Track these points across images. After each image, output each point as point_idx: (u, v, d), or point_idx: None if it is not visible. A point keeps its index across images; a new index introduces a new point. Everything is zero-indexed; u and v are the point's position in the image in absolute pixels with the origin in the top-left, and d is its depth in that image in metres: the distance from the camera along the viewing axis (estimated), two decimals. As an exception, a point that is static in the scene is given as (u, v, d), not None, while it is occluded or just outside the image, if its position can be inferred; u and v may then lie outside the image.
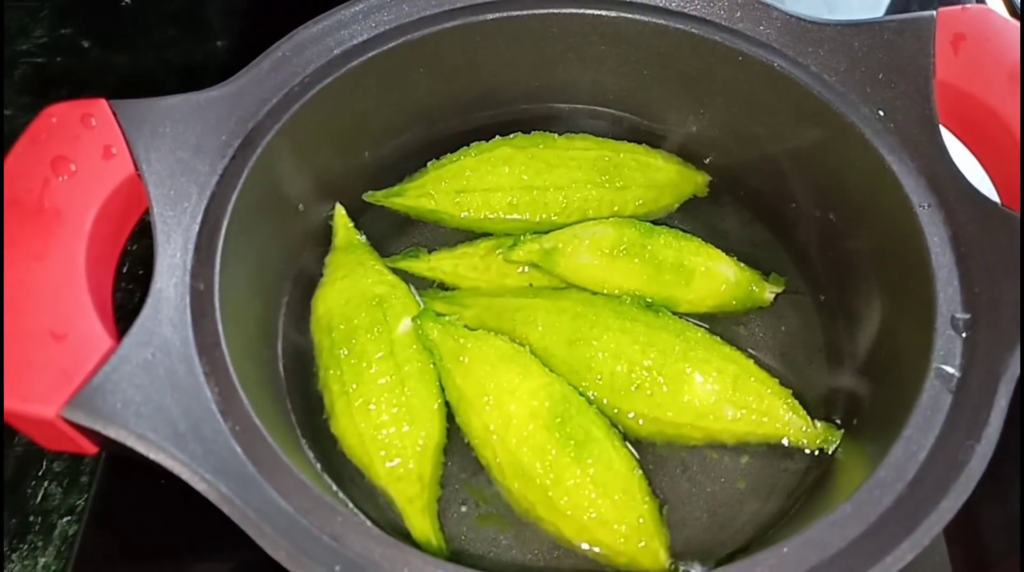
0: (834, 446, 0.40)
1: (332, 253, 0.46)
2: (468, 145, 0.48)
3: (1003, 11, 0.63)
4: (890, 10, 0.67)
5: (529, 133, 0.49)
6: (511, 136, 0.48)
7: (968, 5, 0.41)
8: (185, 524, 0.43)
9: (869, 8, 0.67)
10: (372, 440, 0.39)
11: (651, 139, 0.49)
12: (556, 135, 0.48)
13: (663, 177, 0.48)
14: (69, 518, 0.44)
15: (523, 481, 0.38)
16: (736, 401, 0.40)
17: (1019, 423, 0.42)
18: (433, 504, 0.39)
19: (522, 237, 0.45)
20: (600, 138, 0.49)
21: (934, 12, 0.41)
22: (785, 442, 0.40)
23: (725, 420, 0.40)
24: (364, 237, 0.47)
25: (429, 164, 0.48)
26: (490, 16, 0.45)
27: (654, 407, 0.40)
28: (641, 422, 0.40)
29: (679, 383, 0.40)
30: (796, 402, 0.41)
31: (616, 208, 0.47)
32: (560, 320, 0.42)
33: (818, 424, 0.40)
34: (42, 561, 0.43)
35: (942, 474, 0.31)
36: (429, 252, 0.47)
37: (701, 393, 0.40)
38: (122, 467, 0.45)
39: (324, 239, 0.47)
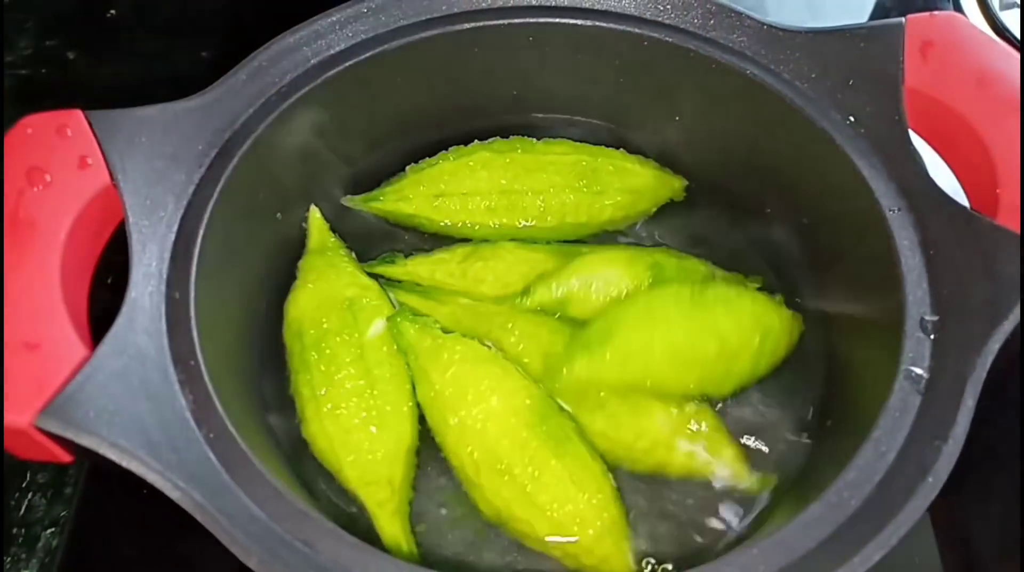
0: (767, 491, 0.40)
1: (306, 256, 0.46)
2: (447, 149, 0.49)
3: (981, 21, 0.63)
4: (872, 18, 0.67)
5: (508, 138, 0.49)
6: (489, 141, 0.49)
7: (936, 12, 0.42)
8: (168, 536, 0.42)
9: (852, 15, 0.67)
10: (342, 444, 0.39)
11: (628, 146, 0.50)
12: (535, 140, 0.49)
13: (640, 182, 0.48)
14: (53, 530, 0.44)
15: (500, 476, 0.38)
16: (691, 437, 0.40)
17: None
18: (404, 508, 0.39)
19: (532, 286, 0.44)
20: (578, 143, 0.49)
21: (903, 19, 0.42)
22: (719, 484, 0.41)
23: (677, 452, 0.40)
24: (339, 239, 0.47)
25: (408, 168, 0.49)
26: (467, 26, 0.45)
27: (615, 427, 0.40)
28: (596, 440, 0.41)
29: (644, 408, 0.40)
30: (742, 450, 0.41)
31: (595, 210, 0.47)
32: (539, 331, 0.43)
33: (755, 474, 0.41)
34: None
35: (910, 474, 0.31)
36: (406, 257, 0.47)
37: (660, 422, 0.40)
38: (106, 479, 0.45)
39: (302, 246, 0.47)
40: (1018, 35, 0.59)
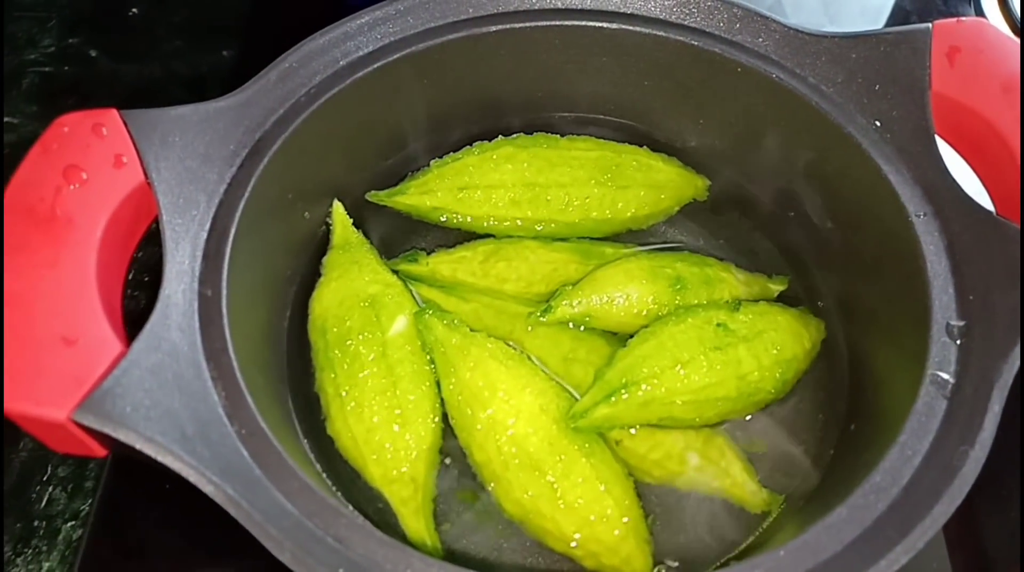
0: (775, 511, 0.40)
1: (330, 252, 0.46)
2: (471, 145, 0.49)
3: (1003, 25, 0.64)
4: (890, 22, 0.67)
5: (532, 134, 0.49)
6: (514, 136, 0.49)
7: (963, 18, 0.42)
8: (188, 530, 0.43)
9: (870, 20, 0.67)
10: (365, 442, 0.40)
11: (652, 145, 0.50)
12: (559, 136, 0.49)
13: (664, 178, 0.48)
14: (73, 523, 0.44)
15: (529, 472, 0.38)
16: (702, 452, 0.41)
17: (1019, 431, 0.43)
18: (428, 505, 0.40)
19: (552, 300, 0.44)
20: (602, 140, 0.49)
21: (930, 24, 0.42)
22: (727, 499, 0.41)
23: (688, 466, 0.40)
24: (363, 235, 0.47)
25: (432, 162, 0.49)
26: (493, 28, 0.45)
27: (629, 436, 0.41)
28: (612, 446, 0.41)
29: None
30: (751, 466, 0.41)
31: (619, 206, 0.47)
32: (560, 337, 0.43)
33: (764, 491, 0.41)
34: (46, 566, 0.43)
35: (936, 479, 0.32)
36: (428, 254, 0.47)
37: (674, 436, 0.41)
38: (127, 473, 0.45)
39: (328, 243, 0.47)
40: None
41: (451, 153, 0.49)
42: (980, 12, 0.66)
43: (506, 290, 0.46)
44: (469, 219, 0.48)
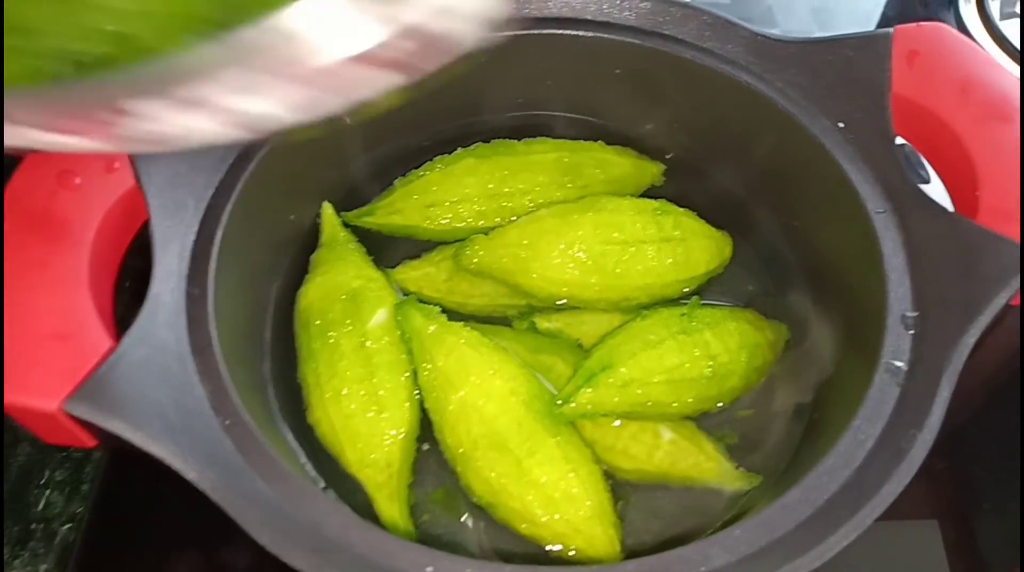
0: (751, 486, 0.41)
1: (318, 249, 0.48)
2: (432, 159, 0.50)
3: (979, 28, 0.64)
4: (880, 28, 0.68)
5: (489, 142, 0.50)
6: (472, 146, 0.50)
7: (924, 23, 0.44)
8: (183, 533, 0.44)
9: (859, 26, 0.68)
10: (343, 429, 0.41)
11: (609, 138, 0.51)
12: (516, 141, 0.50)
13: (620, 172, 0.50)
14: (70, 525, 0.45)
15: (496, 452, 0.39)
16: (674, 428, 0.42)
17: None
18: (403, 491, 0.41)
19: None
20: (557, 139, 0.50)
21: (891, 29, 0.43)
22: (702, 487, 0.42)
23: (662, 440, 0.41)
24: (350, 233, 0.48)
25: (396, 182, 0.50)
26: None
27: (598, 425, 0.42)
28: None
29: None
30: (724, 453, 0.42)
31: None
32: (527, 339, 0.45)
33: (740, 472, 0.42)
34: (43, 567, 0.44)
35: (887, 461, 0.33)
36: (391, 268, 0.48)
37: (642, 426, 0.42)
38: (122, 477, 0.46)
39: (314, 245, 0.49)
40: (1017, 45, 0.60)
41: (412, 170, 0.50)
42: (959, 18, 0.67)
43: (471, 307, 0.47)
44: (439, 232, 0.49)
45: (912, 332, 0.37)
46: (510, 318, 0.47)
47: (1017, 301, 0.38)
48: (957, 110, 0.41)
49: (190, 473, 0.33)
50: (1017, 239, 0.37)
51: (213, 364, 0.37)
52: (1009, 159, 0.39)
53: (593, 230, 0.44)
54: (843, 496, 0.33)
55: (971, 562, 0.43)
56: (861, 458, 0.34)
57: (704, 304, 0.44)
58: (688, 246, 0.45)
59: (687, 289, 0.46)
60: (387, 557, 0.32)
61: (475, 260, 0.46)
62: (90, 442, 0.36)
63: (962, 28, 0.61)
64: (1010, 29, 0.61)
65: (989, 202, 0.38)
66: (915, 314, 0.37)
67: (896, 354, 0.36)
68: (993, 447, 0.46)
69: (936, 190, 0.44)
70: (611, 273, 0.44)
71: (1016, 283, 0.36)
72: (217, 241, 0.40)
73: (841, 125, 0.43)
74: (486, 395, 0.40)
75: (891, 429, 0.34)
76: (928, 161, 0.43)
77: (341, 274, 0.45)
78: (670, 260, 0.45)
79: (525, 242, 0.45)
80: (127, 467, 0.46)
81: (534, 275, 0.45)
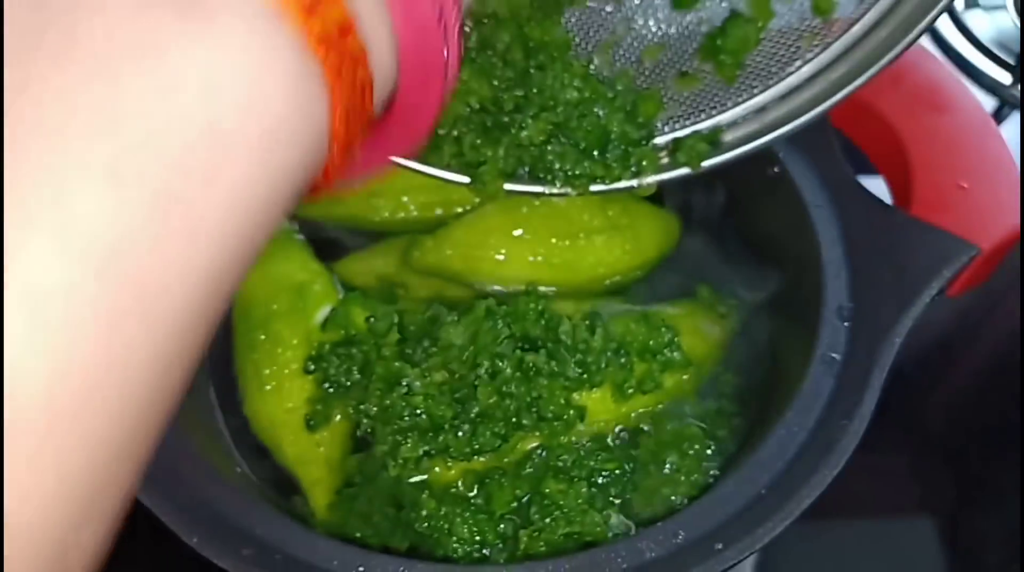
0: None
1: None
2: None
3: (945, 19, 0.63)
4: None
5: None
6: None
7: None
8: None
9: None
10: (283, 424, 0.40)
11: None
12: None
13: None
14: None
15: None
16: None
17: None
18: (338, 486, 0.40)
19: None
20: None
21: (826, 23, 0.43)
22: None
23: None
24: (292, 224, 0.47)
25: None
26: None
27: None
28: None
29: None
30: None
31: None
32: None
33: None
34: None
35: (817, 452, 0.33)
36: (333, 261, 0.47)
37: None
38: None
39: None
40: (979, 36, 0.60)
41: None
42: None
43: (420, 297, 0.46)
44: (383, 223, 0.48)
45: (847, 325, 0.37)
46: None
47: (953, 292, 0.38)
48: (891, 100, 0.41)
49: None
50: (949, 230, 0.37)
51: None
52: (941, 150, 0.39)
53: (541, 223, 0.44)
54: (774, 488, 0.33)
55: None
56: (794, 451, 0.34)
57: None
58: (637, 232, 0.45)
59: (640, 273, 0.46)
60: (319, 557, 0.32)
61: (424, 262, 0.45)
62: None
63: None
64: (972, 20, 0.61)
65: (922, 193, 0.39)
66: (851, 306, 0.37)
67: (832, 346, 0.36)
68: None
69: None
70: (562, 266, 0.44)
71: (947, 274, 0.36)
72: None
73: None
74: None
75: (824, 422, 0.34)
76: (866, 153, 0.43)
77: (284, 264, 0.45)
78: (620, 248, 0.45)
79: (473, 241, 0.45)
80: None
81: (484, 274, 0.45)
